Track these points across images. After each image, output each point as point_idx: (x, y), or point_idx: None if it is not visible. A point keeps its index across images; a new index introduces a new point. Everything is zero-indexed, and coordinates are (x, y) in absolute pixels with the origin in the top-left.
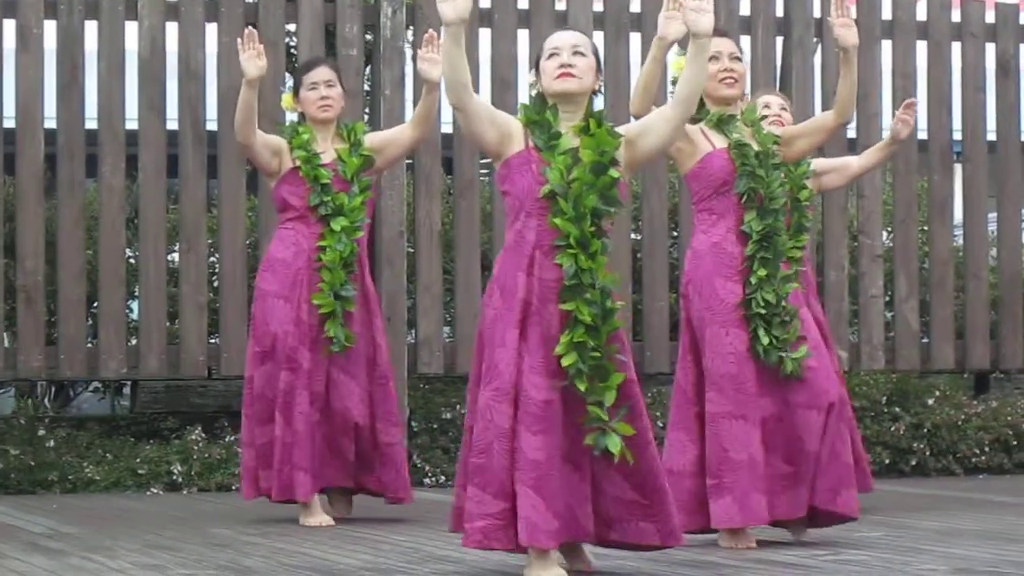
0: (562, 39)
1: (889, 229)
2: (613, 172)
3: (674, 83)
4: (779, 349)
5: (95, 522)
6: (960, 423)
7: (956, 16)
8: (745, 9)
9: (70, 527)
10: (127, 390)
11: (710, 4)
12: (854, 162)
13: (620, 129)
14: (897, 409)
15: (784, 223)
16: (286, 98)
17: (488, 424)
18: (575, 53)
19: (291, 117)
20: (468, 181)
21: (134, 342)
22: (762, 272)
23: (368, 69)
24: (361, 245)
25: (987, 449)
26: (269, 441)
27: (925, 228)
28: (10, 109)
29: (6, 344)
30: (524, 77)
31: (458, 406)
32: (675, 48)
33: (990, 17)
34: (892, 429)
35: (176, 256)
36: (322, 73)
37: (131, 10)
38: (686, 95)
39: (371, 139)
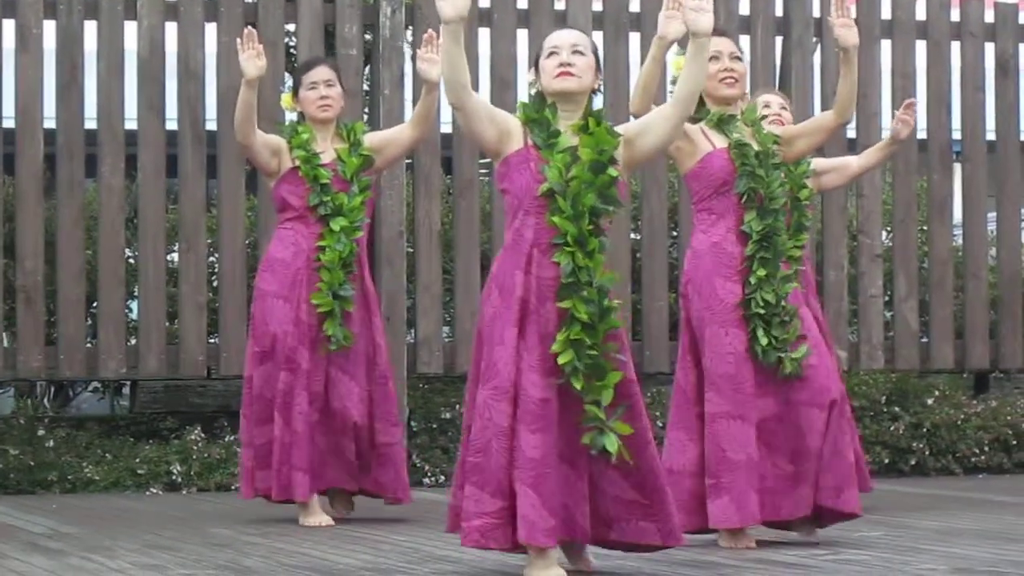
0: (561, 38)
1: (888, 229)
2: (612, 171)
3: (674, 82)
4: (778, 349)
5: (95, 522)
6: (959, 423)
7: (955, 16)
8: (744, 9)
9: (70, 527)
10: (126, 390)
11: (710, 3)
12: (854, 162)
13: (619, 128)
14: (896, 409)
15: (784, 223)
16: (285, 98)
17: (487, 423)
18: (574, 52)
19: (290, 117)
20: (468, 181)
21: (133, 342)
22: (761, 272)
23: (367, 69)
24: (361, 245)
25: (986, 449)
26: (267, 441)
27: (924, 228)
28: (9, 109)
29: (5, 344)
30: (523, 77)
31: (457, 406)
32: (675, 47)
33: (989, 17)
34: (891, 429)
35: (175, 256)
36: (322, 73)
37: (130, 10)
38: (685, 94)
39: (370, 139)
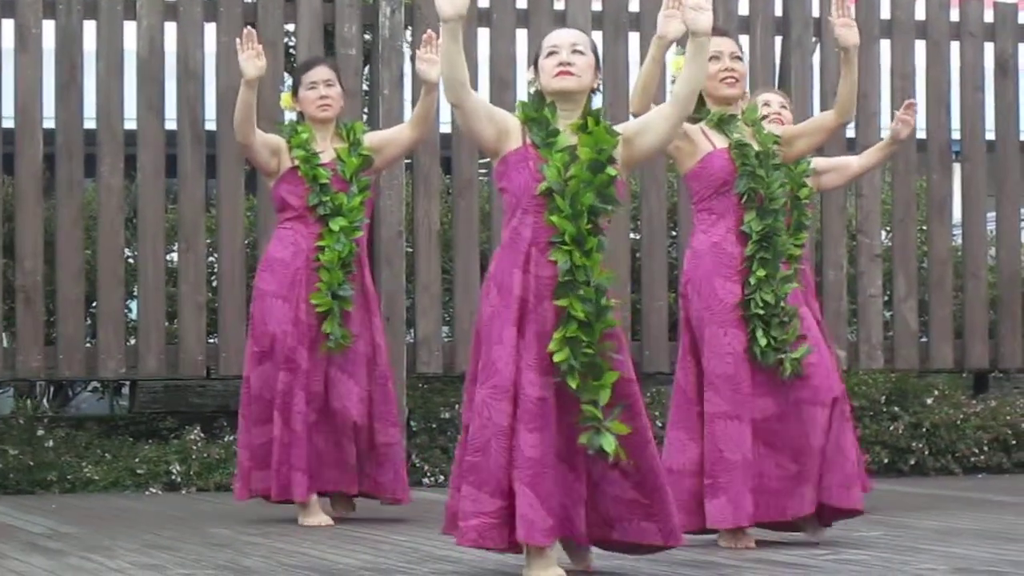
0: (561, 37)
1: (888, 228)
2: (610, 170)
3: (674, 82)
4: (777, 350)
5: (94, 522)
6: (959, 422)
7: (955, 15)
8: (744, 9)
9: (69, 527)
10: (126, 390)
11: (709, 3)
12: (854, 162)
13: (618, 127)
14: (896, 408)
15: (784, 223)
16: (285, 97)
17: (486, 422)
18: (574, 51)
19: (290, 116)
20: (467, 181)
21: (133, 342)
22: (761, 272)
23: (367, 69)
24: (360, 245)
25: (986, 448)
26: (265, 442)
27: (924, 227)
28: (9, 109)
29: (5, 344)
30: (523, 76)
31: (457, 406)
32: (674, 47)
33: (989, 16)
34: (891, 428)
35: (175, 256)
36: (321, 72)
37: (130, 10)
38: (685, 94)
39: (370, 139)
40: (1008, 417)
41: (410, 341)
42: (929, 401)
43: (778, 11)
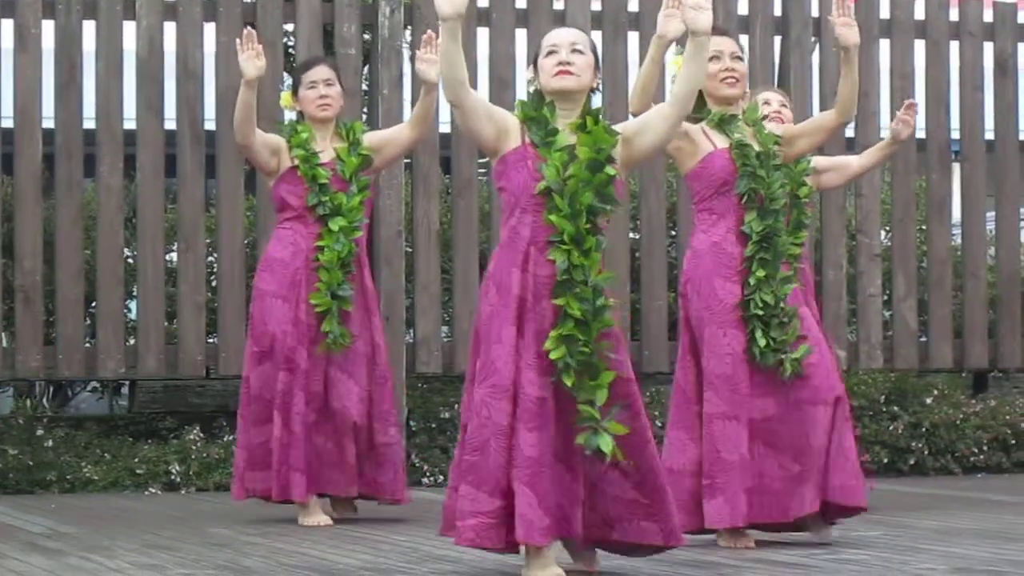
0: (560, 36)
1: (887, 228)
2: (609, 169)
3: (674, 81)
4: (777, 351)
5: (93, 522)
6: (958, 422)
7: (954, 15)
8: (743, 8)
9: (68, 527)
10: (125, 390)
11: (709, 2)
12: (854, 161)
13: (617, 127)
14: (895, 408)
15: (784, 223)
16: (285, 96)
17: (484, 421)
18: (573, 51)
19: (290, 116)
20: (466, 181)
21: (132, 342)
22: (761, 273)
23: (366, 69)
24: (360, 245)
25: (985, 448)
26: (262, 442)
27: (923, 227)
28: (8, 109)
29: (4, 344)
30: (522, 76)
31: (456, 405)
32: (674, 47)
33: (988, 16)
34: (890, 428)
35: (174, 256)
36: (321, 72)
37: (129, 10)
38: (684, 93)
39: (369, 138)
40: (1007, 417)
41: (409, 341)
42: (929, 401)
43: (777, 11)
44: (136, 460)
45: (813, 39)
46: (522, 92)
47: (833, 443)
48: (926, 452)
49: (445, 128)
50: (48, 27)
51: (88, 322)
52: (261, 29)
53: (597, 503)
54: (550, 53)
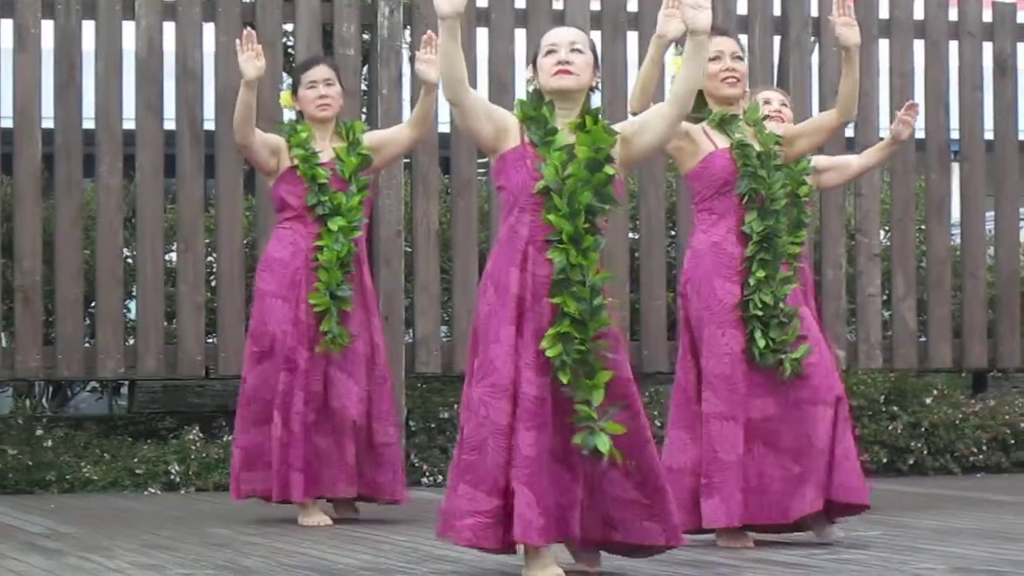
0: (560, 36)
1: (887, 228)
2: (608, 169)
3: (674, 81)
4: (776, 351)
5: (93, 522)
6: (958, 422)
7: (953, 15)
8: (743, 8)
9: (68, 527)
10: (125, 390)
11: (708, 1)
12: (854, 161)
13: (616, 126)
14: (895, 408)
15: (784, 224)
16: (284, 96)
17: (483, 420)
18: (573, 50)
19: (289, 116)
20: (466, 180)
21: (132, 342)
22: (761, 273)
23: (365, 69)
24: (359, 245)
25: (985, 448)
26: (260, 442)
27: (923, 227)
28: (7, 109)
29: (4, 344)
30: (521, 76)
31: (455, 405)
32: (673, 46)
33: (987, 16)
34: (890, 428)
35: (174, 256)
36: (321, 72)
37: (128, 10)
38: (683, 93)
39: (369, 138)
40: (1007, 416)
41: (409, 341)
42: (928, 401)
43: (777, 11)
44: (135, 460)
45: (813, 39)
46: (521, 92)
47: (836, 443)
48: (925, 452)
49: (445, 128)
50: (47, 27)
51: (87, 322)
52: (260, 29)
53: (598, 504)
54: (549, 52)
